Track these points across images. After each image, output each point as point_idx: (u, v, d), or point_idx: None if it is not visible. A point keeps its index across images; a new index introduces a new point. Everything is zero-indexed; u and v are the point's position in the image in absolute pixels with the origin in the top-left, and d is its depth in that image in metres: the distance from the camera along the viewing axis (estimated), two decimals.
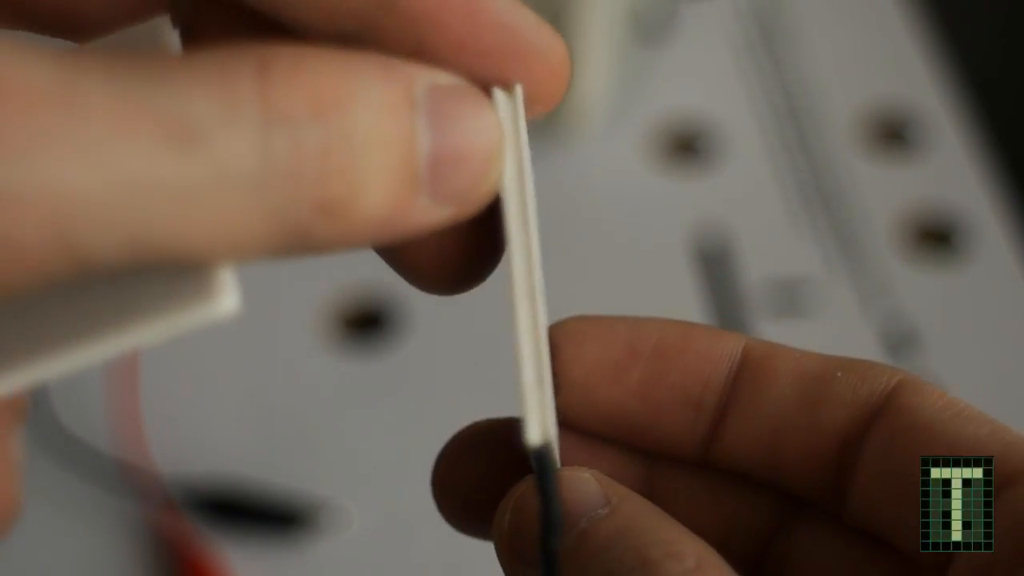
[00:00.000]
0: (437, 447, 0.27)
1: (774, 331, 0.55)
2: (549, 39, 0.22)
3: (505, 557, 0.24)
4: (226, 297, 0.19)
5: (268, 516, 0.50)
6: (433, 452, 0.26)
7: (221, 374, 0.53)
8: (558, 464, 0.23)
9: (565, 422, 0.26)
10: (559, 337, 0.25)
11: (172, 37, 0.22)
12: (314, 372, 0.54)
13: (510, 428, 0.25)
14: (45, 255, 0.18)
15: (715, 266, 0.57)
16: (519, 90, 0.22)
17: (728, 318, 0.55)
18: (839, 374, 0.25)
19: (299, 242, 0.19)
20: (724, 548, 0.23)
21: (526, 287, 0.22)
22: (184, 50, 0.23)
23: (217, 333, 0.54)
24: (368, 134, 0.19)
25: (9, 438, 0.21)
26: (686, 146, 0.60)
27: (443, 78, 0.21)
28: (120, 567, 0.50)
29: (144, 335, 0.19)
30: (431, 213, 0.21)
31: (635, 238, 0.58)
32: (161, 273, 0.19)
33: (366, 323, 0.55)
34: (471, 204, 0.21)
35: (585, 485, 0.23)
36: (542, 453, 0.22)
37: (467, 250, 0.23)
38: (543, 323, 0.23)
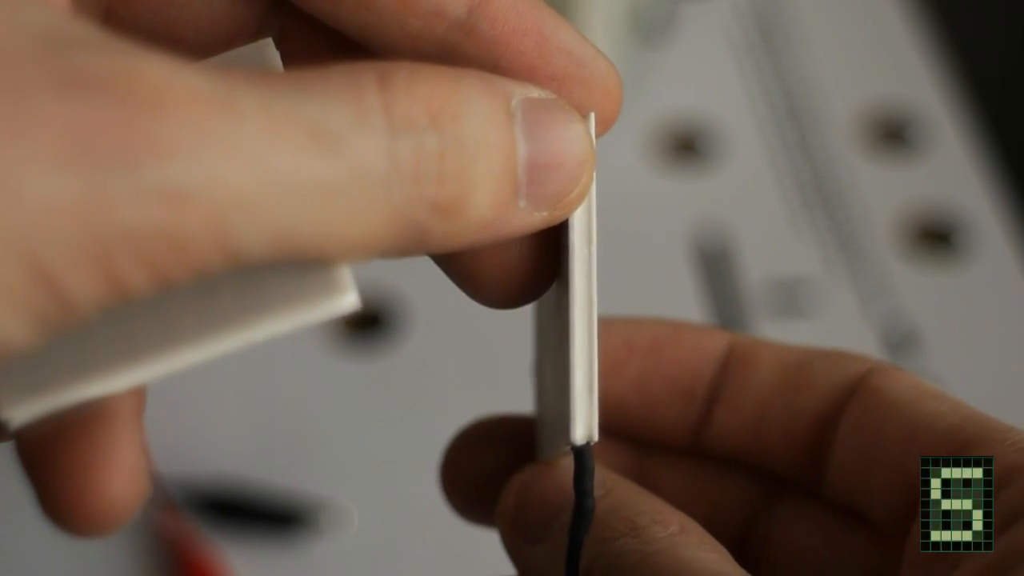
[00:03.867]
0: (437, 446, 0.28)
1: (774, 331, 0.55)
2: (608, 67, 0.25)
3: (507, 536, 0.26)
4: (349, 293, 0.21)
5: (268, 516, 0.50)
6: (433, 451, 0.27)
7: (221, 374, 0.53)
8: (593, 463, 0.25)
9: None
10: None
11: (277, 57, 0.24)
12: (314, 372, 0.54)
13: (513, 423, 0.29)
14: (203, 249, 0.19)
15: (715, 266, 0.57)
16: (592, 117, 0.24)
17: (728, 318, 0.55)
18: (816, 363, 0.27)
19: (417, 240, 0.21)
20: (709, 529, 0.25)
21: (586, 300, 0.24)
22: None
23: None
24: (476, 141, 0.21)
25: (140, 424, 0.22)
26: (686, 146, 0.60)
27: (535, 92, 0.23)
28: (120, 567, 0.50)
29: (274, 328, 0.21)
30: (528, 217, 0.22)
31: (635, 238, 0.58)
32: (290, 271, 0.21)
33: (366, 323, 0.55)
34: (563, 209, 0.23)
35: None
36: (582, 451, 0.24)
37: (531, 268, 0.25)
38: (596, 335, 0.24)
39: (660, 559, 0.24)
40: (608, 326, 0.28)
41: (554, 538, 0.25)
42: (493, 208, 0.22)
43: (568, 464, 0.25)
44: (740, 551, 0.28)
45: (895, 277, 0.57)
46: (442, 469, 0.29)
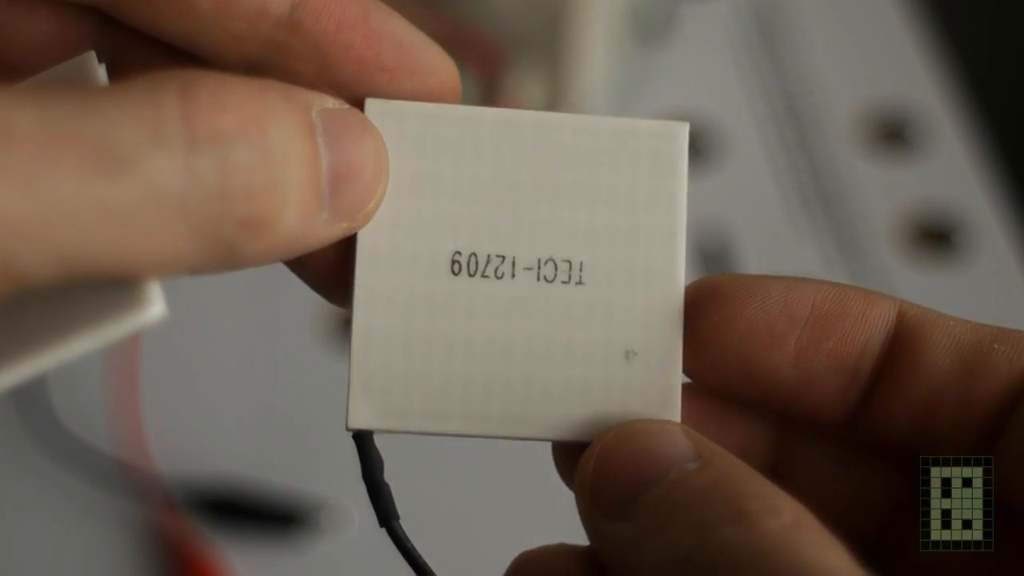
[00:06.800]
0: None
1: None
2: (439, 56, 0.24)
3: (586, 509, 0.23)
4: (153, 307, 0.20)
5: (268, 516, 0.50)
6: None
7: (221, 374, 0.53)
8: (377, 452, 0.26)
9: (714, 385, 0.25)
10: (710, 296, 0.25)
11: (98, 71, 0.23)
12: (314, 372, 0.54)
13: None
14: None
15: (715, 266, 0.57)
16: (370, 103, 0.24)
17: None
18: (995, 345, 0.25)
19: (225, 259, 0.21)
20: (846, 522, 0.23)
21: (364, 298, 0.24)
22: (111, 83, 0.25)
23: (217, 333, 0.54)
24: (284, 152, 0.21)
25: None
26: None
27: (330, 102, 0.22)
28: (120, 567, 0.50)
29: (80, 346, 0.20)
30: (329, 229, 0.22)
31: None
32: (92, 288, 0.20)
33: None
34: (362, 220, 0.23)
35: (673, 438, 0.23)
36: (361, 438, 0.25)
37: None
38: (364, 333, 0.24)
39: (779, 558, 0.20)
40: (765, 288, 0.25)
41: (643, 514, 0.22)
42: (300, 221, 0.21)
43: (657, 429, 0.23)
44: (877, 546, 0.26)
45: (895, 277, 0.57)
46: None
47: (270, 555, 0.50)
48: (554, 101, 0.57)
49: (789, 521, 0.21)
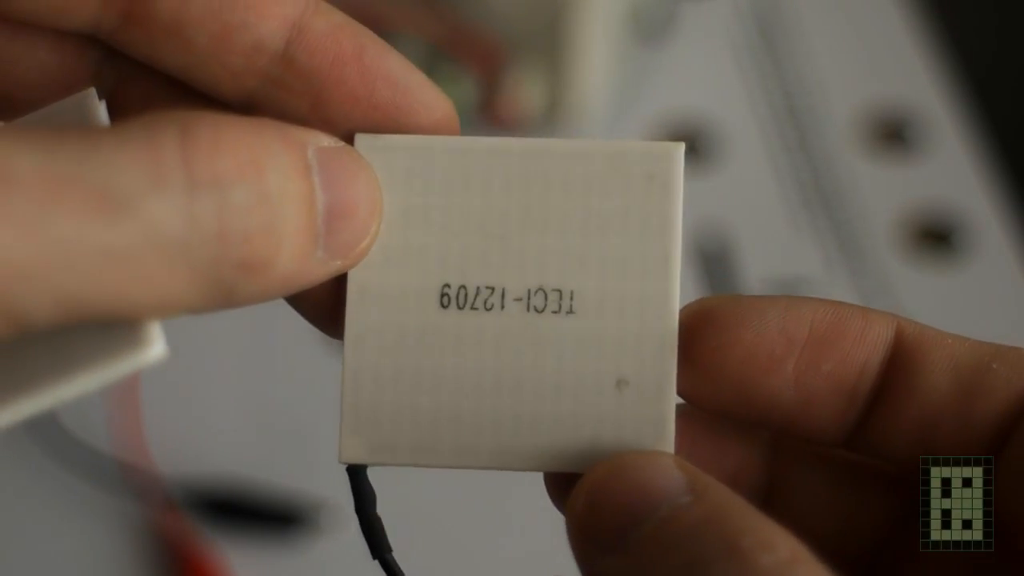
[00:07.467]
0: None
1: None
2: (436, 96, 0.24)
3: (577, 543, 0.23)
4: (154, 347, 0.21)
5: (268, 516, 0.50)
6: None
7: (221, 374, 0.53)
8: (371, 487, 0.26)
9: (711, 409, 0.25)
10: (706, 320, 0.25)
11: (99, 108, 0.23)
12: (314, 372, 0.54)
13: None
14: None
15: (715, 266, 0.57)
16: (360, 139, 0.24)
17: None
18: (994, 365, 0.24)
19: (223, 300, 0.21)
20: (840, 545, 0.23)
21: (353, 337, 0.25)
22: (111, 119, 0.25)
23: (217, 333, 0.54)
24: (280, 193, 0.21)
25: None
26: (686, 146, 0.60)
27: (326, 140, 0.22)
28: (120, 567, 0.50)
29: (79, 387, 0.21)
30: (324, 267, 0.22)
31: None
32: (93, 328, 0.20)
33: None
34: (356, 258, 0.23)
35: (665, 471, 0.23)
36: (355, 473, 0.25)
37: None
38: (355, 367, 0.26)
39: None
40: (762, 310, 0.24)
41: (635, 550, 0.22)
42: (296, 261, 0.22)
43: (649, 462, 0.23)
44: (871, 569, 0.26)
45: (895, 277, 0.57)
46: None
47: (270, 555, 0.50)
48: (554, 101, 0.57)
49: (784, 557, 0.21)
